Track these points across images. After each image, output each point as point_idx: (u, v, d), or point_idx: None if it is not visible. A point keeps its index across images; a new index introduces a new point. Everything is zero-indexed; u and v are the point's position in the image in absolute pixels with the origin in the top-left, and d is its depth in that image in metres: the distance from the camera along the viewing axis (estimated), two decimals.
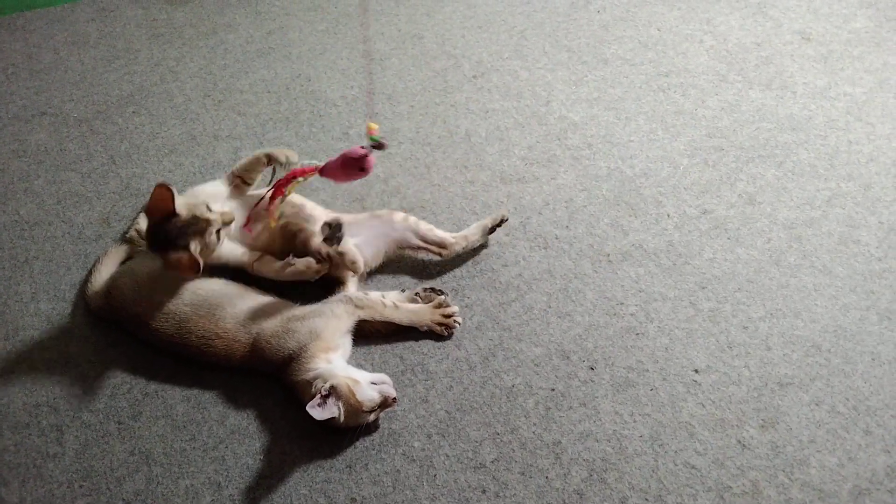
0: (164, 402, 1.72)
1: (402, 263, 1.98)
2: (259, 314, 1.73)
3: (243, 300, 1.75)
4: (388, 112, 2.41)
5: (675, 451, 1.64)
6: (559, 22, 2.78)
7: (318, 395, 1.56)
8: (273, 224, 1.79)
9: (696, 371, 1.77)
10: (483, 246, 2.01)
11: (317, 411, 1.54)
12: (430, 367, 1.78)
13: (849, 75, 2.55)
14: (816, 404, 1.71)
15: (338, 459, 1.63)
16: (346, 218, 1.87)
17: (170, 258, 1.64)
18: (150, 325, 1.72)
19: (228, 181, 1.87)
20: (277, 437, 1.66)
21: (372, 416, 1.62)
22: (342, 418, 1.58)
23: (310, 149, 2.29)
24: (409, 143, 2.31)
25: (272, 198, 1.77)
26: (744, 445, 1.65)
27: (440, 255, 1.93)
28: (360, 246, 1.85)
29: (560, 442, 1.65)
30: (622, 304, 1.90)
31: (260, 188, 1.89)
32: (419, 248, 1.93)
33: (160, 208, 1.63)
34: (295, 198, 1.88)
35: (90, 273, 1.91)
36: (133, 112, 2.43)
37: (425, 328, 1.81)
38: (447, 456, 1.64)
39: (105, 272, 1.88)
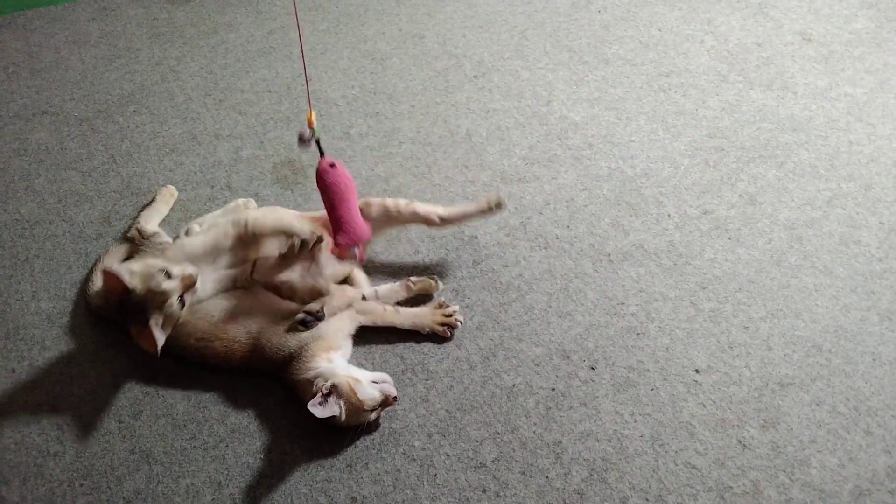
0: (165, 400, 1.72)
1: (401, 265, 1.98)
2: (259, 313, 1.73)
3: (243, 300, 1.75)
4: (389, 112, 2.41)
5: (676, 451, 1.64)
6: (560, 22, 2.78)
7: (320, 394, 1.56)
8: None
9: (697, 371, 1.77)
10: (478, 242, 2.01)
11: (318, 409, 1.54)
12: (431, 366, 1.78)
13: (849, 76, 2.55)
14: (817, 404, 1.71)
15: (338, 458, 1.63)
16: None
17: (133, 332, 1.60)
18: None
19: (233, 231, 1.75)
20: (278, 436, 1.66)
21: (373, 415, 1.62)
22: (343, 417, 1.57)
23: (310, 148, 2.28)
24: (410, 143, 2.31)
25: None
26: (744, 445, 1.65)
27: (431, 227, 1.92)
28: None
29: (560, 441, 1.65)
30: (623, 303, 1.90)
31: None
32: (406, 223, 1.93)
33: (115, 289, 1.59)
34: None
35: (91, 272, 1.91)
36: (134, 111, 2.43)
37: (427, 331, 1.81)
38: (447, 455, 1.64)
39: None
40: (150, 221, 1.98)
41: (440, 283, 1.90)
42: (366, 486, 1.59)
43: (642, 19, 2.79)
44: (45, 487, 1.59)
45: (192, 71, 2.57)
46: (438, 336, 1.81)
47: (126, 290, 1.57)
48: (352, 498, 1.57)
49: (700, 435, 1.66)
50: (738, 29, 2.74)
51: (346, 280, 1.87)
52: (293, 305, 1.76)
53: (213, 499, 1.57)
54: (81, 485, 1.60)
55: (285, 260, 1.75)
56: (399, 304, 1.87)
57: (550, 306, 1.90)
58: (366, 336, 1.81)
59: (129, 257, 1.92)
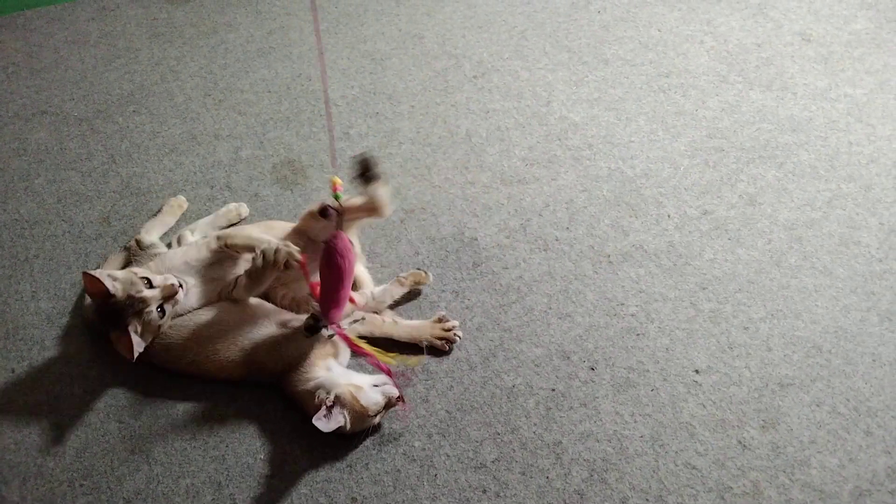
0: (165, 401, 1.72)
1: (401, 266, 1.98)
2: (253, 326, 1.70)
3: (233, 315, 1.72)
4: (389, 112, 2.41)
5: (676, 452, 1.64)
6: (560, 22, 2.78)
7: (323, 407, 1.54)
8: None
9: (697, 371, 1.77)
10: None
11: (323, 423, 1.52)
12: (431, 367, 1.78)
13: (849, 76, 2.55)
14: (817, 405, 1.72)
15: (338, 459, 1.63)
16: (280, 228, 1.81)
17: (112, 337, 1.60)
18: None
19: (213, 246, 1.75)
20: (278, 437, 1.66)
21: (377, 419, 1.62)
22: (349, 426, 1.56)
23: (310, 148, 2.29)
24: (410, 144, 2.31)
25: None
26: (744, 446, 1.65)
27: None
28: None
29: (561, 442, 1.65)
30: (623, 304, 1.90)
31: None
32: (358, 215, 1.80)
33: (97, 292, 1.59)
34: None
35: None
36: (133, 111, 2.43)
37: (425, 343, 1.79)
38: (448, 456, 1.64)
39: None
40: (151, 232, 1.97)
41: (430, 275, 1.90)
42: (366, 486, 1.59)
43: (642, 20, 2.79)
44: (45, 487, 1.59)
45: (192, 71, 2.57)
46: (437, 349, 1.79)
47: (107, 295, 1.57)
48: (352, 498, 1.57)
49: (700, 435, 1.66)
50: (737, 29, 2.74)
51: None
52: (288, 314, 1.75)
53: (214, 499, 1.57)
54: (81, 485, 1.60)
55: (254, 277, 1.70)
56: (396, 306, 1.86)
57: (550, 307, 1.90)
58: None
59: (126, 265, 1.90)
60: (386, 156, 2.27)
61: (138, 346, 1.58)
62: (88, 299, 1.83)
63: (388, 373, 1.65)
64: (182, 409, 1.71)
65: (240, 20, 2.79)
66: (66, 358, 1.80)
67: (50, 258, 2.00)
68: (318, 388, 1.59)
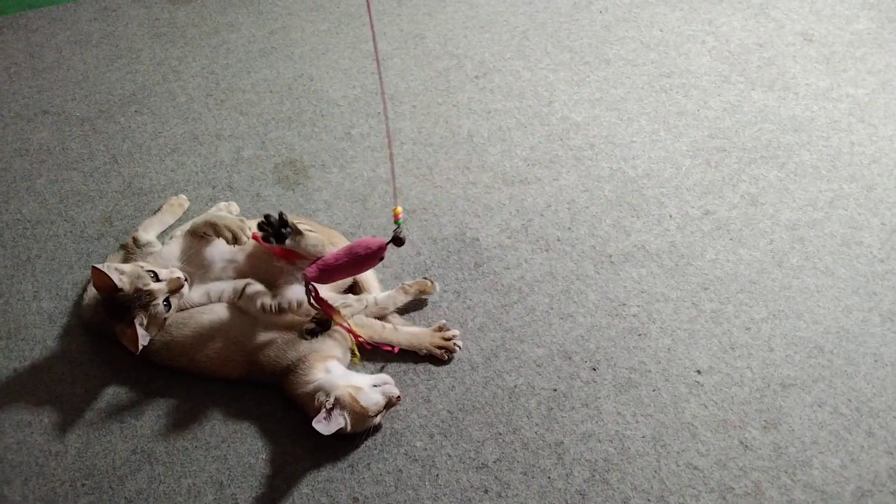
0: (167, 401, 1.72)
1: (403, 267, 1.98)
2: (254, 327, 1.70)
3: (234, 315, 1.72)
4: (391, 112, 2.41)
5: (678, 452, 1.64)
6: (561, 22, 2.78)
7: (323, 410, 1.54)
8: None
9: (699, 372, 1.77)
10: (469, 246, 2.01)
11: (322, 425, 1.53)
12: (432, 367, 1.78)
13: (851, 76, 2.55)
14: (819, 406, 1.71)
15: (340, 459, 1.63)
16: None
17: (117, 331, 1.61)
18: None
19: (189, 237, 1.78)
20: (280, 437, 1.66)
21: (378, 419, 1.62)
22: (349, 427, 1.57)
23: (312, 148, 2.29)
24: (412, 144, 2.31)
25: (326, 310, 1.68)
26: (746, 446, 1.65)
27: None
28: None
29: (562, 442, 1.65)
30: (624, 304, 1.90)
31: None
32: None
33: (103, 286, 1.60)
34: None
35: (87, 286, 1.89)
36: (135, 111, 2.43)
37: (424, 352, 1.78)
38: (449, 456, 1.64)
39: None
40: (148, 231, 1.97)
41: (437, 285, 1.89)
42: (367, 486, 1.59)
43: (644, 20, 2.79)
44: (46, 487, 1.59)
45: (194, 71, 2.57)
46: (436, 358, 1.79)
47: (114, 289, 1.58)
48: (353, 498, 1.57)
49: (702, 436, 1.66)
50: (739, 29, 2.74)
51: (355, 283, 1.87)
52: (289, 316, 1.74)
53: (215, 498, 1.57)
54: (83, 484, 1.60)
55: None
56: (400, 312, 1.87)
57: (552, 308, 1.90)
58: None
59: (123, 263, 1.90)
60: (388, 156, 2.26)
61: (143, 338, 1.59)
62: (86, 300, 1.83)
63: (359, 338, 1.69)
64: (184, 408, 1.71)
65: (241, 20, 2.79)
66: (67, 357, 1.80)
67: (52, 258, 2.00)
68: (317, 390, 1.60)
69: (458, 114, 2.41)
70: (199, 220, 1.78)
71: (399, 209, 1.57)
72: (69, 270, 1.97)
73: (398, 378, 1.72)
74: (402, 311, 1.87)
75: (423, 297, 1.89)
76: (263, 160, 2.26)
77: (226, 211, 2.04)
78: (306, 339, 1.67)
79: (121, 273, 1.60)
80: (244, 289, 1.73)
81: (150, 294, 1.58)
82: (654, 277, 1.96)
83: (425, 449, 1.65)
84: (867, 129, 2.37)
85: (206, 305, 1.73)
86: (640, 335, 1.84)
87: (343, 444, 1.64)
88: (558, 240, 2.05)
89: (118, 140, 2.33)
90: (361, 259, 1.59)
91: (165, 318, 1.63)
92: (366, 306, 1.80)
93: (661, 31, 2.74)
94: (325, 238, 1.76)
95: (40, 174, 2.23)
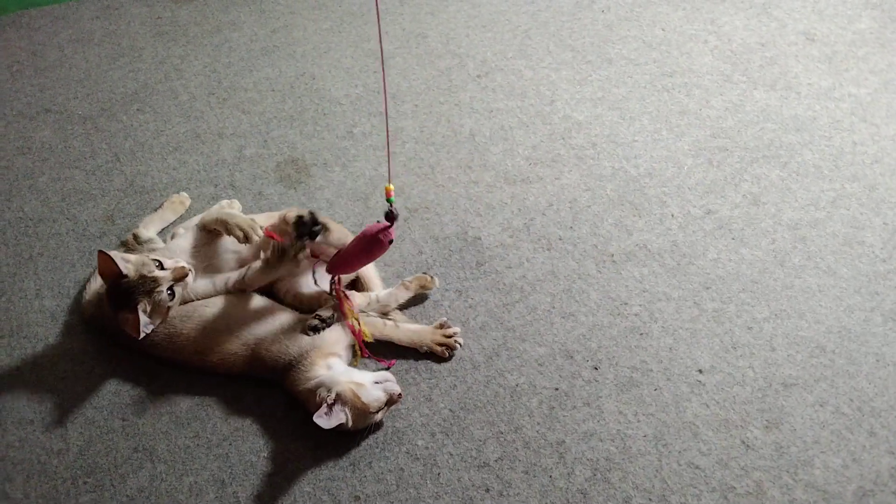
0: (168, 399, 1.72)
1: (405, 265, 1.98)
2: (257, 322, 1.71)
3: (238, 308, 1.73)
4: (392, 111, 2.41)
5: (679, 451, 1.64)
6: (563, 21, 2.78)
7: (324, 405, 1.55)
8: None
9: (701, 371, 1.77)
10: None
11: (324, 420, 1.53)
12: (434, 365, 1.78)
13: (853, 76, 2.55)
14: (821, 405, 1.71)
15: (342, 457, 1.63)
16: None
17: (119, 317, 1.61)
18: (141, 340, 1.71)
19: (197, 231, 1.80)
20: (281, 435, 1.66)
21: (379, 416, 1.62)
22: (350, 423, 1.57)
23: (314, 147, 2.29)
24: (413, 143, 2.31)
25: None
26: (748, 446, 1.64)
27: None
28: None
29: (564, 441, 1.65)
30: (626, 304, 1.90)
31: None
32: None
33: (108, 272, 1.61)
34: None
35: (87, 281, 1.89)
36: (137, 110, 2.43)
37: (425, 349, 1.79)
38: (451, 454, 1.64)
39: (100, 280, 1.85)
40: (149, 227, 1.98)
41: (436, 280, 1.90)
42: (369, 484, 1.59)
43: (646, 19, 2.79)
44: (48, 485, 1.60)
45: (196, 70, 2.57)
46: (436, 355, 1.79)
47: (118, 275, 1.59)
48: (355, 496, 1.57)
49: (703, 435, 1.66)
50: (741, 29, 2.74)
51: (357, 281, 1.87)
52: (291, 312, 1.75)
53: (217, 497, 1.58)
54: (85, 482, 1.60)
55: (269, 266, 1.73)
56: (402, 308, 1.87)
57: (554, 307, 1.90)
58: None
59: None
60: (390, 155, 2.26)
61: (145, 325, 1.59)
62: (86, 296, 1.83)
63: (361, 340, 1.72)
64: (185, 406, 1.71)
65: (244, 19, 2.79)
66: (69, 355, 1.80)
67: (54, 256, 2.00)
68: (319, 386, 1.60)
69: (460, 113, 2.41)
70: (209, 215, 1.79)
71: (391, 186, 1.61)
72: (71, 268, 1.97)
73: (399, 376, 1.72)
74: (403, 307, 1.88)
75: (424, 292, 1.89)
76: (265, 159, 2.26)
77: (228, 209, 2.04)
78: (309, 335, 1.67)
79: (126, 261, 1.61)
80: (247, 270, 1.76)
81: (155, 281, 1.59)
82: (655, 277, 1.96)
83: (427, 447, 1.65)
84: (869, 128, 2.37)
85: (210, 299, 1.74)
86: (641, 334, 1.84)
87: (344, 442, 1.64)
88: (560, 239, 2.05)
89: (120, 138, 2.33)
90: (370, 243, 1.62)
91: (169, 308, 1.64)
92: (368, 303, 1.80)
93: (663, 30, 2.74)
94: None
95: (42, 172, 2.23)
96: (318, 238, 1.72)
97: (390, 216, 1.61)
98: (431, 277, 1.89)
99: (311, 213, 1.70)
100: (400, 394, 1.62)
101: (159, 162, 2.25)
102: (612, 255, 2.01)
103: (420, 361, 1.78)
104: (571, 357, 1.80)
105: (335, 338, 1.71)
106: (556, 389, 1.74)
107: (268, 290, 1.81)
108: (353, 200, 2.14)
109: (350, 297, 1.76)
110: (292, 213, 1.75)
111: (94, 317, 1.81)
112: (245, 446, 1.65)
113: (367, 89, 2.49)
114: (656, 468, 1.61)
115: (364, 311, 1.79)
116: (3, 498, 1.58)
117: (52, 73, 2.56)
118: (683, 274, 1.97)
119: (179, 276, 1.63)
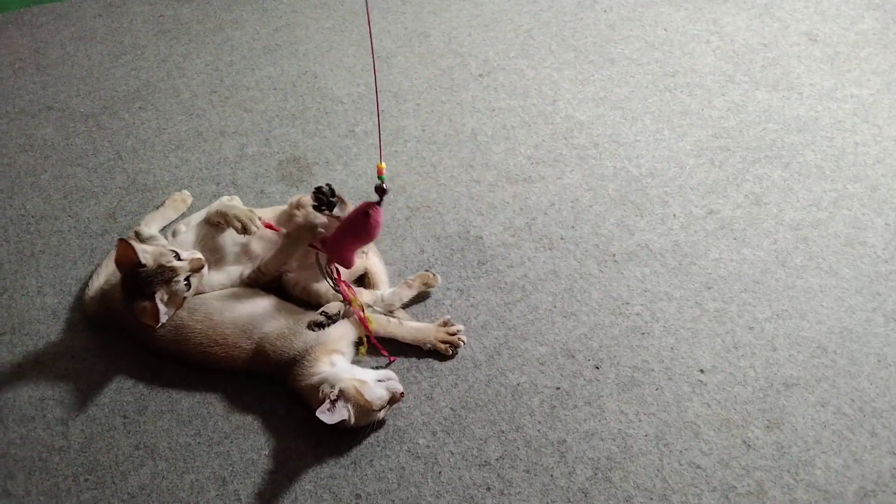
0: (170, 396, 1.72)
1: (406, 264, 1.98)
2: (263, 316, 1.72)
3: (245, 303, 1.74)
4: (394, 110, 2.41)
5: (681, 451, 1.64)
6: (566, 21, 2.78)
7: (327, 401, 1.55)
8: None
9: (702, 371, 1.77)
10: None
11: (326, 416, 1.53)
12: (436, 364, 1.78)
13: (856, 77, 2.55)
14: (822, 405, 1.71)
15: (343, 455, 1.63)
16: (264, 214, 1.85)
17: (135, 307, 1.62)
18: (143, 334, 1.72)
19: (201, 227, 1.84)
20: (283, 433, 1.66)
21: (381, 414, 1.62)
22: (352, 420, 1.57)
23: (316, 146, 2.29)
24: (415, 142, 2.31)
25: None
26: (749, 446, 1.64)
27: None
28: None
29: (565, 440, 1.65)
30: (628, 303, 1.90)
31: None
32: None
33: (126, 261, 1.62)
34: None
35: (90, 278, 1.89)
36: (139, 108, 2.43)
37: (429, 347, 1.79)
38: (452, 453, 1.64)
39: (103, 276, 1.86)
40: (151, 225, 1.98)
41: (439, 277, 1.90)
42: (370, 483, 1.59)
43: (648, 19, 2.79)
44: (49, 482, 1.60)
45: (198, 68, 2.57)
46: (440, 353, 1.79)
47: (137, 264, 1.60)
48: (356, 495, 1.57)
49: (705, 435, 1.66)
50: (744, 29, 2.74)
51: (364, 277, 1.88)
52: (296, 308, 1.76)
53: (218, 494, 1.58)
54: (86, 479, 1.60)
55: (285, 248, 1.78)
56: (405, 307, 1.87)
57: (555, 306, 1.90)
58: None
59: None
60: (391, 154, 2.27)
61: (163, 314, 1.61)
62: (88, 293, 1.84)
63: (368, 329, 1.73)
64: (187, 404, 1.71)
65: (246, 17, 2.79)
66: (71, 353, 1.80)
67: (56, 254, 2.00)
68: (322, 382, 1.60)
69: (461, 112, 2.41)
70: (211, 209, 1.84)
71: (382, 164, 1.64)
72: (73, 266, 1.97)
73: (401, 374, 1.72)
74: (406, 306, 1.88)
75: (428, 289, 1.89)
76: (267, 157, 2.26)
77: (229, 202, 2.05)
78: (313, 331, 1.68)
79: (144, 251, 1.63)
80: (261, 261, 1.80)
81: (173, 270, 1.60)
82: (657, 276, 1.96)
83: (428, 446, 1.65)
84: (871, 129, 2.37)
85: (217, 292, 1.75)
86: (643, 334, 1.84)
87: (346, 440, 1.64)
88: (562, 238, 2.05)
89: (122, 136, 2.33)
90: (357, 218, 1.65)
91: (184, 298, 1.66)
92: (374, 302, 1.82)
93: (665, 30, 2.74)
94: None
95: (44, 170, 2.23)
96: (336, 210, 1.78)
97: (380, 190, 1.64)
98: (434, 274, 1.89)
99: (329, 186, 1.78)
100: (402, 392, 1.62)
101: (161, 160, 2.25)
102: (614, 255, 2.01)
103: (421, 360, 1.78)
104: (573, 356, 1.80)
105: (339, 334, 1.71)
106: (558, 388, 1.74)
107: (277, 284, 1.82)
108: (354, 199, 2.13)
109: (355, 290, 1.78)
110: (304, 198, 1.83)
111: (96, 313, 1.81)
112: (246, 444, 1.65)
113: (368, 88, 2.49)
114: (657, 468, 1.61)
115: (370, 307, 1.80)
116: (4, 495, 1.58)
117: (54, 71, 2.57)
118: (685, 274, 1.97)
119: (197, 267, 1.65)
